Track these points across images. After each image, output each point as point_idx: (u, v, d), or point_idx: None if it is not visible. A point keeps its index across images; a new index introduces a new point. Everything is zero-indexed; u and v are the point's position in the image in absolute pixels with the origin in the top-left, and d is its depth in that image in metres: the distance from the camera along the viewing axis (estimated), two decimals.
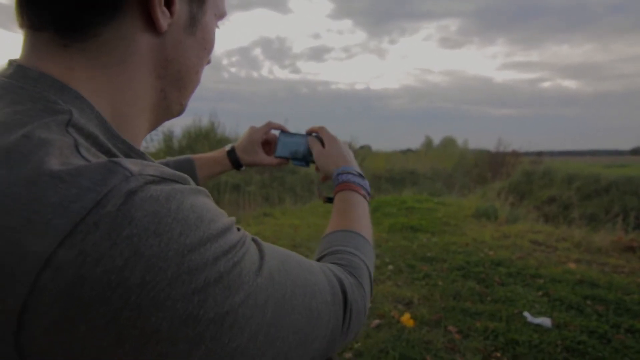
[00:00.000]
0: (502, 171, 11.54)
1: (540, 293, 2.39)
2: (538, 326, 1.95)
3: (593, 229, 4.65)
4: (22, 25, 0.30)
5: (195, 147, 15.17)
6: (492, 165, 15.47)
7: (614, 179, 7.37)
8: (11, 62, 0.30)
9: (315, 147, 0.63)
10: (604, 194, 7.21)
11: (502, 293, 2.37)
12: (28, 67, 0.29)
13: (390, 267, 2.94)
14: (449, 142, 27.21)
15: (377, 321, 1.98)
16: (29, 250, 0.20)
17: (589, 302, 2.23)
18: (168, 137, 15.97)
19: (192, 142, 15.83)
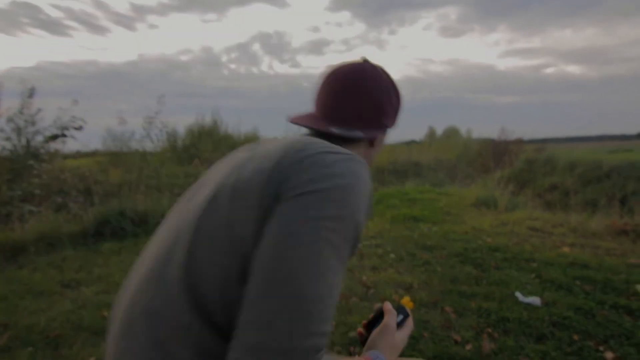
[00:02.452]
0: (505, 160, 11.60)
1: (533, 275, 2.53)
2: (528, 305, 2.10)
3: (592, 214, 4.76)
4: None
5: (198, 145, 15.28)
6: (495, 154, 15.48)
7: (616, 165, 7.43)
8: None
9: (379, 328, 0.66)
10: (605, 179, 7.28)
11: (497, 276, 2.51)
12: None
13: (392, 255, 3.09)
14: (452, 132, 27.06)
15: (379, 304, 2.14)
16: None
17: (578, 282, 2.37)
18: (172, 136, 16.00)
19: (196, 140, 15.92)
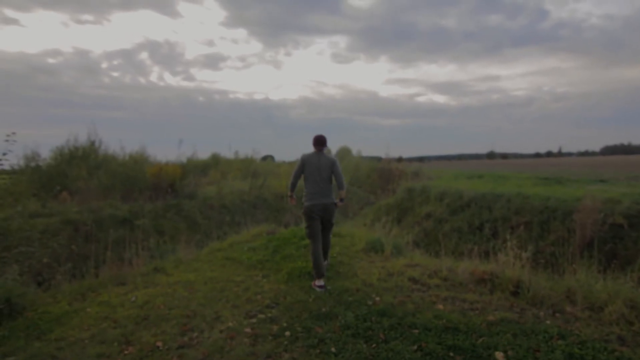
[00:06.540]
0: (389, 187, 12.82)
1: (415, 347, 2.72)
2: None
3: (458, 249, 5.49)
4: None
5: (68, 170, 12.94)
6: (382, 175, 17.06)
7: (473, 196, 8.83)
8: None
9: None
10: (467, 209, 8.60)
11: (385, 354, 2.63)
12: None
13: (287, 333, 3.01)
14: (345, 152, 28.82)
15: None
16: None
17: (451, 353, 2.63)
18: (31, 157, 13.15)
19: (65, 163, 13.40)
